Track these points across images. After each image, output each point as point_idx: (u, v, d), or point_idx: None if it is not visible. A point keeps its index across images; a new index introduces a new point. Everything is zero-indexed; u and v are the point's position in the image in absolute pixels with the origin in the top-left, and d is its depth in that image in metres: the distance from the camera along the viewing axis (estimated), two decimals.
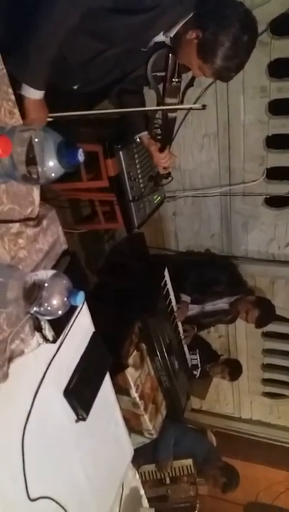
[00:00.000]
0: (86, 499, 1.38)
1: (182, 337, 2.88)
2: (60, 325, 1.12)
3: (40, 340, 1.07)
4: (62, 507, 1.22)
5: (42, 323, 1.05)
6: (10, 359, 0.97)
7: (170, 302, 2.66)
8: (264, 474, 4.04)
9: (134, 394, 2.15)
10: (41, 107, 1.25)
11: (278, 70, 2.43)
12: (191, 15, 1.25)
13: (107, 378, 1.45)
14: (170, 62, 1.38)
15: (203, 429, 3.37)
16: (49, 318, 0.83)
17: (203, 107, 1.54)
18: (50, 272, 0.79)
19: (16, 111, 0.96)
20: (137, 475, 1.85)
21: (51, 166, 0.72)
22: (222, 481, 2.83)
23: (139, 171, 2.24)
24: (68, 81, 1.41)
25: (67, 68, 1.32)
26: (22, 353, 1.01)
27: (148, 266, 2.87)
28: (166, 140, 1.66)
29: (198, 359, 3.09)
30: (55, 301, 0.76)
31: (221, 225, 3.09)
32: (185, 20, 1.27)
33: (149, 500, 1.92)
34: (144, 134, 1.71)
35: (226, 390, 3.96)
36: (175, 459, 2.88)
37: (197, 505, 2.91)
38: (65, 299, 0.77)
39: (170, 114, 1.53)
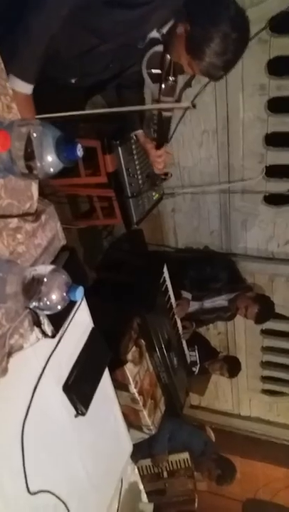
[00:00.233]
0: (85, 493, 1.39)
1: (181, 333, 2.89)
2: (59, 320, 1.12)
3: (40, 335, 1.07)
4: (62, 501, 1.23)
5: (41, 318, 1.06)
6: (9, 354, 0.97)
7: (169, 298, 2.66)
8: (263, 471, 4.05)
9: (133, 389, 2.16)
10: (28, 104, 1.20)
11: (278, 67, 2.42)
12: (182, 11, 1.24)
13: (106, 374, 1.46)
14: (166, 59, 1.37)
15: (202, 425, 3.38)
16: (48, 313, 0.83)
17: (193, 105, 1.53)
18: (49, 267, 0.79)
19: (14, 105, 0.96)
20: (136, 470, 1.86)
21: (50, 160, 0.72)
22: (216, 473, 2.83)
23: (137, 167, 2.24)
24: (65, 74, 1.40)
25: (62, 62, 1.31)
26: (21, 348, 1.01)
27: (147, 262, 2.87)
28: (161, 139, 1.65)
29: (197, 356, 3.10)
30: (54, 296, 0.76)
31: (220, 222, 3.09)
32: (175, 17, 1.26)
33: (147, 494, 1.94)
34: (140, 131, 1.71)
35: (225, 386, 3.97)
36: (171, 453, 2.89)
37: (196, 498, 2.92)
38: (64, 293, 0.78)
39: (165, 113, 1.51)
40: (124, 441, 1.70)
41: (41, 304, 0.76)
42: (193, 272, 2.90)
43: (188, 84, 1.50)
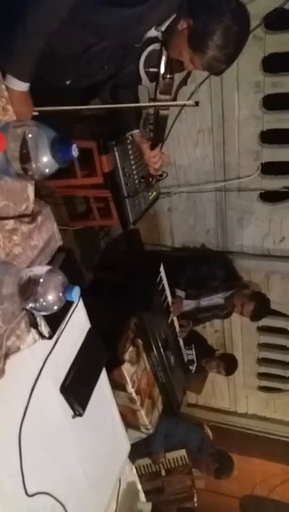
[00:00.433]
0: (83, 494, 1.39)
1: (178, 332, 2.89)
2: (56, 321, 1.12)
3: (36, 336, 1.07)
4: (60, 502, 1.22)
5: (38, 319, 1.05)
6: (6, 355, 0.97)
7: (166, 298, 2.66)
8: (260, 467, 4.08)
9: (131, 389, 2.16)
10: (26, 100, 1.20)
11: (272, 64, 2.43)
12: (183, 6, 1.25)
13: (104, 374, 1.46)
14: (163, 58, 1.37)
15: (200, 423, 3.39)
16: (45, 313, 0.83)
17: (196, 103, 1.53)
18: (46, 268, 0.79)
19: (10, 107, 0.95)
20: (134, 470, 1.86)
21: (45, 161, 0.72)
22: (214, 466, 2.84)
23: (133, 167, 2.24)
24: (60, 76, 1.39)
25: (57, 62, 1.30)
26: (18, 349, 1.01)
27: (143, 262, 2.87)
28: (157, 138, 1.64)
29: (194, 354, 3.11)
30: (50, 297, 0.76)
31: (216, 221, 3.10)
32: (176, 14, 1.26)
33: (146, 493, 1.94)
34: (136, 131, 1.70)
35: (222, 384, 3.99)
36: (169, 451, 2.90)
37: (194, 494, 2.93)
38: (61, 294, 0.77)
39: (162, 112, 1.52)
40: (122, 441, 1.70)
41: (38, 304, 0.75)
42: (190, 270, 2.91)
43: (183, 83, 1.50)
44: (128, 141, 2.16)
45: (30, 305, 0.79)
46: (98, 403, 1.39)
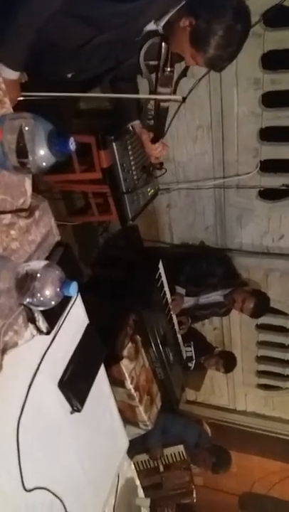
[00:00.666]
0: (82, 490, 1.39)
1: (177, 329, 2.89)
2: (53, 317, 1.12)
3: (34, 332, 1.06)
4: (58, 497, 1.22)
5: (35, 314, 1.05)
6: (3, 351, 0.96)
7: (164, 294, 2.66)
8: (259, 465, 4.09)
9: (129, 385, 2.15)
10: (15, 87, 1.22)
11: (272, 61, 2.42)
12: (183, 3, 1.24)
13: (102, 370, 1.45)
14: (163, 51, 1.37)
15: (199, 420, 3.40)
16: (42, 308, 0.83)
17: (184, 99, 1.53)
18: (43, 263, 0.78)
19: (7, 100, 0.95)
20: (132, 465, 1.87)
21: (42, 154, 0.71)
22: (211, 461, 2.84)
23: (132, 163, 2.24)
24: (61, 69, 1.39)
25: (58, 56, 1.31)
26: (16, 344, 1.01)
27: (142, 258, 2.86)
28: (158, 130, 1.65)
29: (193, 351, 3.11)
30: (47, 292, 0.76)
31: (215, 218, 3.09)
32: (176, 9, 1.26)
33: (144, 489, 1.94)
34: (137, 122, 1.70)
35: (221, 381, 3.99)
36: (166, 446, 2.90)
37: (193, 489, 2.93)
38: (58, 289, 0.77)
39: (162, 104, 1.52)
40: (121, 437, 1.71)
41: (35, 299, 0.75)
42: (189, 267, 2.91)
43: (183, 74, 1.50)
44: (127, 136, 2.15)
45: (28, 300, 0.79)
46: (97, 399, 1.39)
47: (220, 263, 3.00)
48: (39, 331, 1.07)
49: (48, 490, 1.17)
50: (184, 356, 3.07)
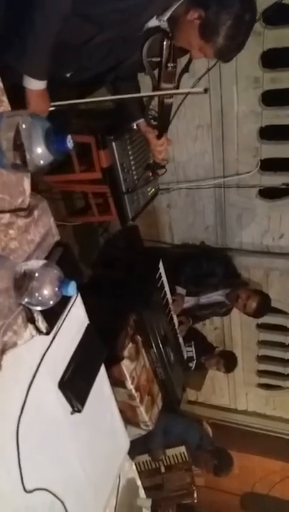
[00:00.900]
0: (83, 491, 1.38)
1: (177, 329, 2.88)
2: (53, 317, 1.11)
3: (34, 332, 1.06)
4: (59, 498, 1.22)
5: (35, 315, 1.04)
6: (2, 351, 0.96)
7: (165, 294, 2.65)
8: (260, 465, 4.08)
9: (130, 386, 2.15)
10: (44, 97, 1.25)
11: (271, 60, 2.41)
12: None
13: (102, 370, 1.45)
14: (165, 47, 1.37)
15: (199, 420, 3.39)
16: (40, 308, 0.82)
17: (205, 90, 1.53)
18: (41, 262, 0.78)
19: (5, 99, 0.94)
20: (134, 466, 1.86)
21: (39, 152, 0.71)
22: (213, 463, 2.83)
23: (132, 163, 2.23)
24: (60, 69, 1.39)
25: (58, 55, 1.31)
26: (15, 345, 1.00)
27: (142, 258, 2.86)
28: (163, 126, 1.64)
29: (194, 351, 3.10)
30: (46, 291, 0.75)
31: (216, 217, 3.09)
32: (179, 3, 1.26)
33: (145, 489, 1.94)
34: (141, 121, 1.70)
35: (222, 381, 3.98)
36: (168, 447, 2.89)
37: (194, 490, 2.93)
38: (57, 289, 0.76)
39: (166, 100, 1.52)
40: (122, 438, 1.70)
41: (33, 299, 0.74)
42: (190, 267, 2.90)
43: (185, 70, 1.50)
44: (127, 136, 2.14)
45: (26, 300, 0.78)
46: (97, 400, 1.38)
47: (220, 263, 2.99)
48: (39, 331, 1.07)
49: (48, 491, 1.17)
50: (185, 356, 3.06)
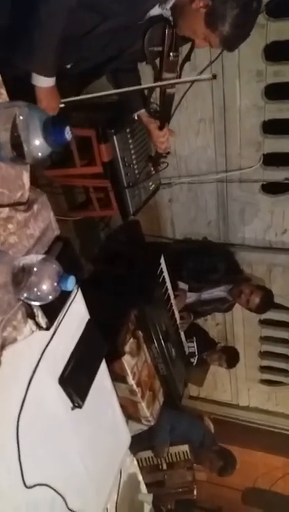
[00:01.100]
0: (84, 486, 1.38)
1: (179, 325, 2.88)
2: (53, 312, 1.10)
3: (34, 327, 1.05)
4: (60, 494, 1.22)
5: (35, 310, 1.03)
6: (2, 347, 0.95)
7: (166, 290, 2.64)
8: (262, 460, 4.08)
9: (131, 381, 2.14)
10: (53, 94, 1.26)
11: (275, 53, 2.38)
12: None
13: (103, 366, 1.44)
14: (167, 35, 1.35)
15: (201, 415, 3.39)
16: (39, 303, 0.81)
17: (214, 76, 1.51)
18: (40, 256, 0.77)
19: (3, 91, 0.93)
20: (135, 461, 1.86)
21: (37, 144, 0.69)
22: (219, 464, 2.85)
23: (133, 157, 2.21)
24: (61, 60, 1.37)
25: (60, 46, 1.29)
26: (15, 340, 0.99)
27: (144, 253, 2.84)
28: (165, 117, 1.62)
29: (196, 347, 3.09)
30: (44, 286, 0.74)
31: (218, 212, 3.07)
32: None
33: (146, 485, 1.94)
34: (143, 111, 1.68)
35: (224, 377, 3.98)
36: (171, 445, 2.89)
37: (194, 488, 2.94)
38: (55, 283, 0.75)
39: (168, 90, 1.50)
40: (123, 433, 1.70)
41: (32, 294, 0.73)
42: (192, 263, 2.88)
43: (187, 59, 1.48)
44: (128, 130, 2.12)
45: (25, 295, 0.77)
46: (98, 395, 1.38)
47: (222, 258, 2.97)
48: (39, 326, 1.06)
49: (49, 486, 1.17)
50: (187, 352, 3.06)
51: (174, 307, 2.74)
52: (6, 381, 0.99)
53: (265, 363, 3.79)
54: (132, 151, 2.21)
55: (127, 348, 2.11)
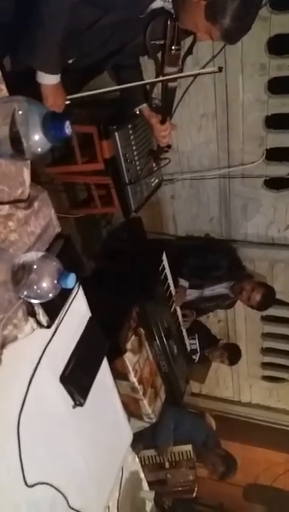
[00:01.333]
0: (85, 484, 1.38)
1: (181, 322, 2.87)
2: (54, 310, 1.09)
3: (34, 325, 1.04)
4: (61, 492, 1.21)
5: (36, 308, 1.02)
6: (3, 345, 0.94)
7: (168, 287, 2.64)
8: (263, 456, 4.09)
9: (133, 379, 2.14)
10: (59, 91, 1.25)
11: (278, 46, 2.35)
12: None
13: (105, 363, 1.43)
14: (169, 29, 1.33)
15: (202, 412, 3.39)
16: (39, 301, 0.80)
17: (220, 69, 1.48)
18: (39, 254, 0.75)
19: (3, 87, 0.91)
20: (137, 459, 1.86)
21: (37, 139, 0.68)
22: (221, 470, 2.86)
23: (135, 153, 2.20)
24: (63, 55, 1.36)
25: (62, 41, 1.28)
26: (15, 338, 0.98)
27: (146, 250, 2.83)
28: (166, 111, 1.61)
29: (198, 344, 3.09)
30: (44, 284, 0.73)
31: (220, 209, 3.05)
32: None
33: (148, 484, 1.94)
34: (144, 105, 1.66)
35: (226, 374, 3.98)
36: (174, 445, 2.89)
37: (195, 488, 2.95)
38: (56, 281, 0.74)
39: (170, 84, 1.48)
40: (124, 431, 1.69)
41: (32, 292, 0.72)
42: (194, 259, 2.87)
43: (188, 52, 1.46)
44: (130, 126, 2.11)
45: (25, 293, 0.76)
46: (100, 393, 1.37)
47: (225, 255, 2.96)
48: (39, 324, 1.05)
49: (50, 485, 1.16)
50: (189, 349, 3.05)
51: (174, 304, 2.73)
52: (6, 379, 0.98)
53: (267, 359, 3.79)
54: (134, 148, 2.19)
55: (128, 346, 2.11)
